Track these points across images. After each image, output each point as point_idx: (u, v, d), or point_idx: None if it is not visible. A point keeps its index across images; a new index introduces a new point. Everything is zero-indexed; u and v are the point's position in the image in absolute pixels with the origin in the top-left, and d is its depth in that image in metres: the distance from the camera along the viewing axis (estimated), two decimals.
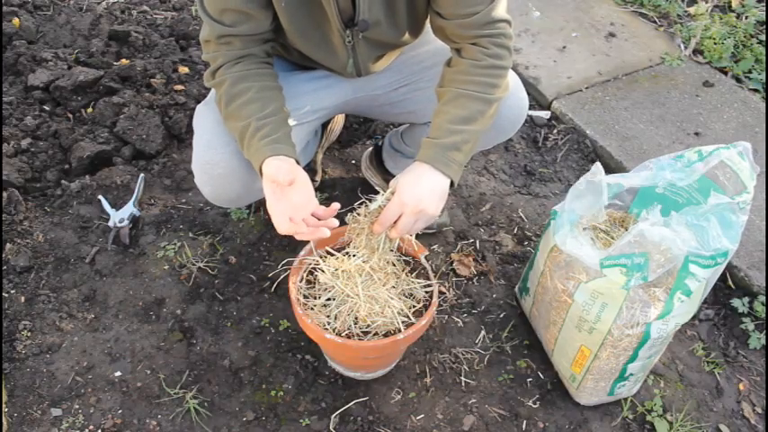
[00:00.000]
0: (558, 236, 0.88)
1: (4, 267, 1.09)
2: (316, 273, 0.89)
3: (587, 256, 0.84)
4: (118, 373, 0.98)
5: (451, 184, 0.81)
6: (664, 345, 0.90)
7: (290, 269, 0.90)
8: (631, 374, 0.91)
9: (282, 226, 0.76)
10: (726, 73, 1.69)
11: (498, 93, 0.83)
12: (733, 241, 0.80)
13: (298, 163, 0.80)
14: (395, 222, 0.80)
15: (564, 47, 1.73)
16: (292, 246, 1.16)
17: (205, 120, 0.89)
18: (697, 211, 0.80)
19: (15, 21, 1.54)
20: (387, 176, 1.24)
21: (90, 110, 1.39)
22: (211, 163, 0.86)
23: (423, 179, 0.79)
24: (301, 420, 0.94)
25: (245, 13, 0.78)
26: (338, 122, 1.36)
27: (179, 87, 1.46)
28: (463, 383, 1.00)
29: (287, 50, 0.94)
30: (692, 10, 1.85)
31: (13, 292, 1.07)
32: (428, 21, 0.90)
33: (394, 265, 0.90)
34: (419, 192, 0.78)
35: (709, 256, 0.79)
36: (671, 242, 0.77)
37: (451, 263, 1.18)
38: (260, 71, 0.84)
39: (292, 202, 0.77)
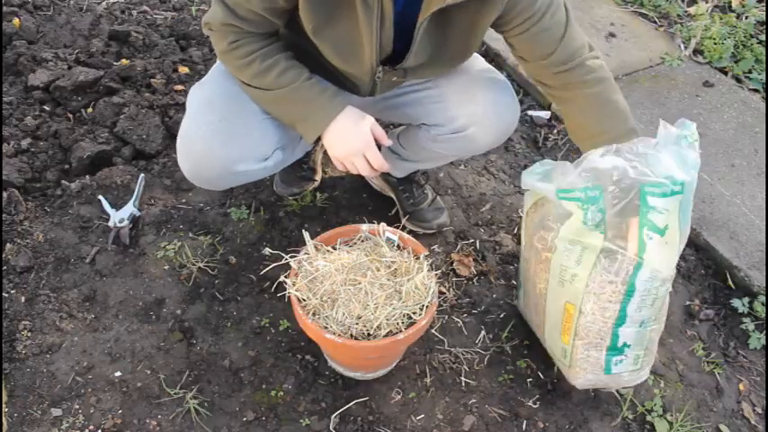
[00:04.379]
0: (524, 184, 0.90)
1: (5, 267, 1.09)
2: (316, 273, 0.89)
3: (544, 187, 0.84)
4: (118, 373, 0.98)
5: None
6: (657, 310, 0.86)
7: (289, 270, 0.90)
8: (626, 345, 0.86)
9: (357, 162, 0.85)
10: (726, 73, 1.69)
11: (609, 77, 0.84)
12: (687, 173, 0.79)
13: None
14: None
15: None
16: (292, 246, 1.16)
17: (193, 99, 0.89)
18: (648, 143, 0.80)
19: (15, 21, 1.54)
20: (386, 177, 1.24)
21: (90, 110, 1.39)
22: (193, 140, 0.87)
23: None
24: (301, 420, 0.94)
25: (260, 16, 0.78)
26: None
27: (179, 87, 1.46)
28: (463, 383, 1.00)
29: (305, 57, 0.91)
30: (692, 10, 1.85)
31: (13, 292, 1.07)
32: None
33: (394, 262, 0.90)
34: None
35: (663, 183, 0.77)
36: (622, 171, 0.77)
37: (451, 263, 1.18)
38: (279, 44, 0.85)
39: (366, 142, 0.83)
